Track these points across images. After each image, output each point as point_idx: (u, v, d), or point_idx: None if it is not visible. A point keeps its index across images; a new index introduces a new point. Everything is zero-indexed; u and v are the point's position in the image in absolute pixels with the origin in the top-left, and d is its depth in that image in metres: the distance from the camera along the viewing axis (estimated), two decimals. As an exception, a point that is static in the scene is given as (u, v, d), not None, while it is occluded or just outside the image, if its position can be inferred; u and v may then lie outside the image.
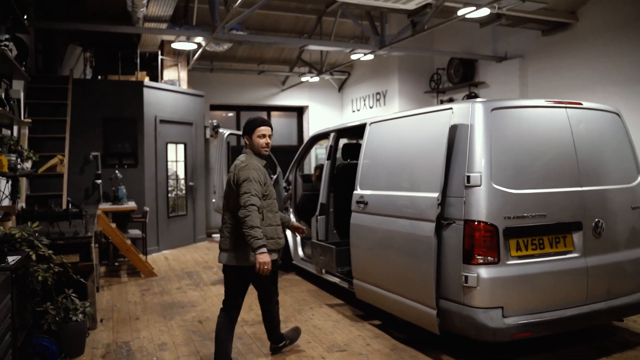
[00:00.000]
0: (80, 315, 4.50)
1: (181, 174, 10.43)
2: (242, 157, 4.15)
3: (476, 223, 3.89)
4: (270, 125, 4.23)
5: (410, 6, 6.53)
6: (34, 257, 4.21)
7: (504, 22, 8.76)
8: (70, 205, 5.58)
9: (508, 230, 3.92)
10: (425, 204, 4.19)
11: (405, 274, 4.42)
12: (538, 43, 9.54)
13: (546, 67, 9.40)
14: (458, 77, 11.18)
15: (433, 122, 4.44)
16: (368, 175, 5.16)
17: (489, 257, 3.88)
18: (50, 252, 4.46)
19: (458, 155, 4.10)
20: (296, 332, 4.66)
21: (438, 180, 4.08)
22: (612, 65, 8.18)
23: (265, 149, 4.16)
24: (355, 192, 5.21)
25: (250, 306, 5.89)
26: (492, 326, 3.81)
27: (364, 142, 5.32)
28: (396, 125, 5.00)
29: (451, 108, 4.27)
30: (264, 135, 4.14)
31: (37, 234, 4.41)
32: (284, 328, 4.89)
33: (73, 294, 4.57)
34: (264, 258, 3.78)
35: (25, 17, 6.13)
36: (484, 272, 3.86)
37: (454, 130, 4.16)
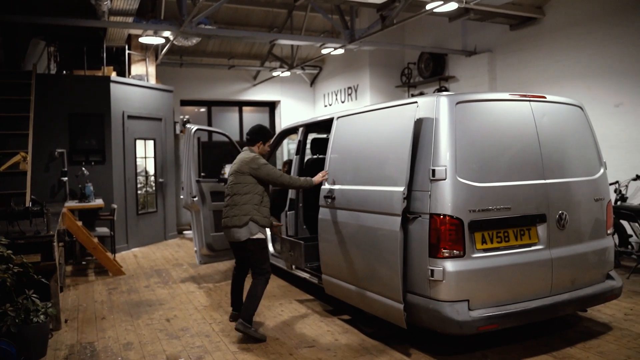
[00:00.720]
0: (42, 317, 4.37)
1: (151, 171, 10.27)
2: (249, 152, 4.99)
3: (441, 217, 3.89)
4: None
5: None
6: (-9, 257, 4.09)
7: (472, 16, 8.82)
8: (32, 203, 5.43)
9: (473, 224, 3.94)
10: (391, 198, 4.18)
11: (372, 269, 4.42)
12: (506, 37, 9.64)
13: (514, 61, 9.50)
14: (428, 72, 11.24)
15: (399, 116, 4.42)
16: (335, 169, 5.13)
17: (454, 251, 3.89)
18: (9, 252, 4.33)
19: (423, 149, 4.10)
20: (261, 338, 4.67)
21: (404, 174, 4.07)
22: (578, 59, 8.31)
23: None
24: (322, 186, 5.18)
25: (219, 303, 5.84)
26: (458, 319, 3.82)
27: (332, 137, 5.29)
28: (363, 119, 4.98)
29: (416, 102, 4.26)
30: (269, 146, 5.27)
31: (-6, 234, 4.28)
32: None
33: (34, 295, 4.44)
34: (318, 178, 5.09)
35: (-18, 9, 5.94)
36: (449, 265, 3.88)
37: (419, 124, 4.16)
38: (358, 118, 5.02)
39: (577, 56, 8.33)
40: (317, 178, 5.12)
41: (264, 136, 5.10)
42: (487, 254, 4.01)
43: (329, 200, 5.03)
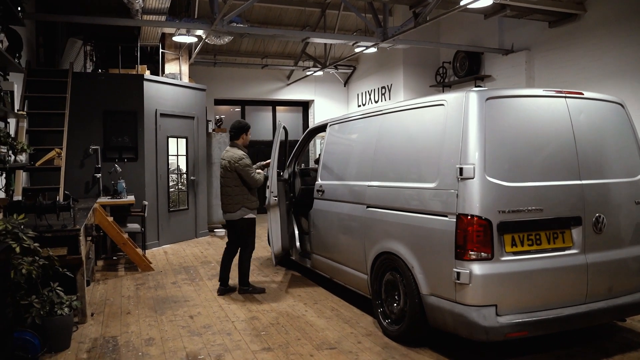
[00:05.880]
0: (66, 309, 4.40)
1: (183, 168, 10.34)
2: (236, 150, 6.04)
3: (469, 217, 3.74)
4: None
5: (411, -5, 6.35)
6: (17, 249, 4.13)
7: (508, 13, 8.56)
8: (64, 198, 5.49)
9: (502, 225, 3.77)
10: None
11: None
12: (545, 35, 9.32)
13: (553, 59, 9.18)
14: (464, 71, 10.99)
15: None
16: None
17: (482, 253, 3.72)
18: (36, 244, 4.37)
19: (451, 145, 3.95)
20: (261, 290, 6.14)
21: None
22: (620, 57, 7.95)
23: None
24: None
25: (244, 302, 5.80)
26: (484, 325, 3.66)
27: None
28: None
29: (445, 100, 4.13)
30: (250, 133, 6.30)
31: (22, 227, 4.32)
32: (275, 324, 4.83)
33: (58, 288, 4.48)
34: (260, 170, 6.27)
35: (19, 8, 6.06)
36: (477, 268, 3.71)
37: (446, 120, 4.02)
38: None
39: (621, 54, 7.97)
40: (260, 171, 6.18)
41: (244, 129, 6.14)
42: (517, 257, 3.82)
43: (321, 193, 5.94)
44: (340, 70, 14.27)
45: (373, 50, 10.31)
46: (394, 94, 12.45)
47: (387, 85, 12.75)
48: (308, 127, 15.13)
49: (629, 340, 4.46)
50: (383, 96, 12.97)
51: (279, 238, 6.35)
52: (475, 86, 10.73)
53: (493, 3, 7.55)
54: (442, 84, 11.68)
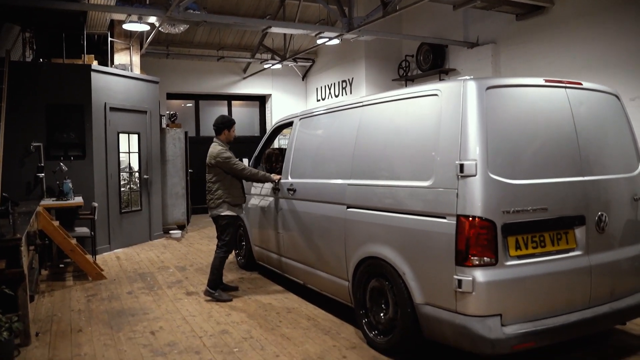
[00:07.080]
0: (5, 333, 3.78)
1: (135, 167, 9.63)
2: (217, 145, 5.84)
3: (471, 219, 3.37)
4: None
5: (384, -19, 5.98)
6: (-55, 265, 3.50)
7: (478, 4, 8.31)
8: (2, 200, 4.83)
9: (507, 227, 3.43)
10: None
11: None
12: (512, 28, 9.16)
13: (520, 53, 9.02)
14: (427, 64, 10.73)
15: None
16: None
17: (485, 258, 3.37)
18: (-33, 258, 3.75)
19: (447, 140, 3.58)
20: (228, 299, 5.70)
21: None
22: (589, 50, 7.85)
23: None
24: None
25: (210, 312, 5.28)
26: (490, 337, 3.31)
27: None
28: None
29: (439, 89, 3.75)
30: (234, 130, 6.05)
31: (-50, 237, 3.68)
32: (249, 338, 4.34)
33: (-4, 308, 3.86)
34: (276, 177, 5.88)
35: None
36: (480, 275, 3.36)
37: (441, 112, 3.65)
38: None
39: (588, 48, 7.86)
40: (277, 176, 5.87)
41: (226, 124, 5.95)
42: (522, 262, 3.49)
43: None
44: (299, 64, 13.80)
45: (336, 41, 9.90)
46: (356, 88, 12.09)
47: (348, 79, 12.38)
48: (265, 122, 14.66)
49: (627, 343, 4.26)
50: (344, 90, 12.60)
51: None
52: (440, 80, 10.50)
53: (465, -8, 7.28)
54: (405, 78, 11.40)
